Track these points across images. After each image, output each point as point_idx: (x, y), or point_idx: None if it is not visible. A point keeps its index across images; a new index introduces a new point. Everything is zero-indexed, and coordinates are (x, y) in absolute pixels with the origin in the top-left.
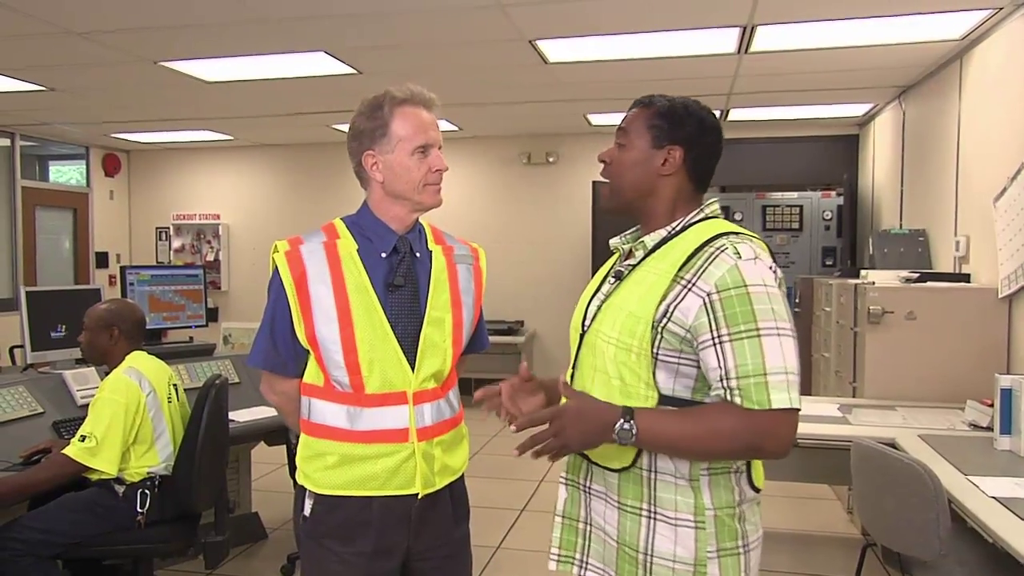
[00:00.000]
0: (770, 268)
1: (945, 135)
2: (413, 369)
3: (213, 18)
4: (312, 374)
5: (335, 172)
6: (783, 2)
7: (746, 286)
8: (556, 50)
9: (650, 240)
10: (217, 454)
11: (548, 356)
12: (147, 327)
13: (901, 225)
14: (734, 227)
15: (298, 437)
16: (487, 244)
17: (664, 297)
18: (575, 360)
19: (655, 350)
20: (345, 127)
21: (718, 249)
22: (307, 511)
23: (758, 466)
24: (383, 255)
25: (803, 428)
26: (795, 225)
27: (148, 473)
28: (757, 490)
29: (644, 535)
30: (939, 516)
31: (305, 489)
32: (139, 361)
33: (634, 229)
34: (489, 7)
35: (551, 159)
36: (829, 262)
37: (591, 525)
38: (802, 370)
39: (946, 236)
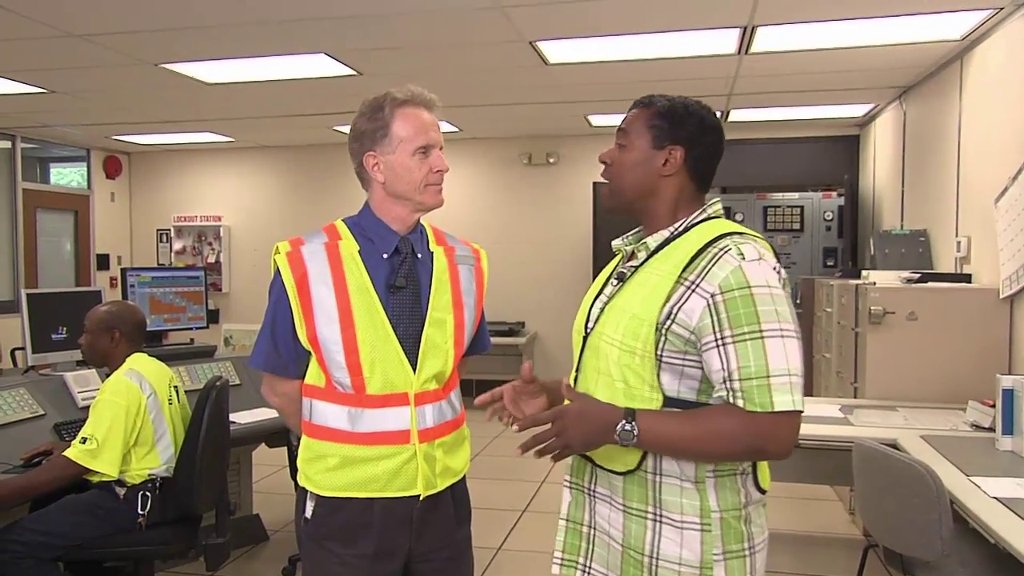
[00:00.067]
0: (774, 269)
1: (946, 135)
2: (415, 370)
3: (213, 20)
4: (313, 375)
5: (336, 173)
6: (783, 3)
7: (750, 287)
8: (556, 51)
9: (653, 241)
10: (218, 456)
11: (549, 357)
12: (148, 329)
13: (902, 225)
14: (737, 227)
15: (299, 439)
16: (488, 245)
17: (668, 299)
18: (578, 363)
19: (659, 352)
20: (346, 129)
21: (722, 250)
22: (308, 513)
23: (764, 467)
24: (384, 256)
25: (804, 429)
26: (796, 226)
27: (149, 475)
28: (763, 492)
29: (650, 538)
30: (941, 517)
31: (306, 491)
32: (140, 363)
33: (636, 230)
34: (489, 8)
35: (552, 160)
36: (830, 263)
37: (595, 529)
38: (804, 371)
39: (947, 236)
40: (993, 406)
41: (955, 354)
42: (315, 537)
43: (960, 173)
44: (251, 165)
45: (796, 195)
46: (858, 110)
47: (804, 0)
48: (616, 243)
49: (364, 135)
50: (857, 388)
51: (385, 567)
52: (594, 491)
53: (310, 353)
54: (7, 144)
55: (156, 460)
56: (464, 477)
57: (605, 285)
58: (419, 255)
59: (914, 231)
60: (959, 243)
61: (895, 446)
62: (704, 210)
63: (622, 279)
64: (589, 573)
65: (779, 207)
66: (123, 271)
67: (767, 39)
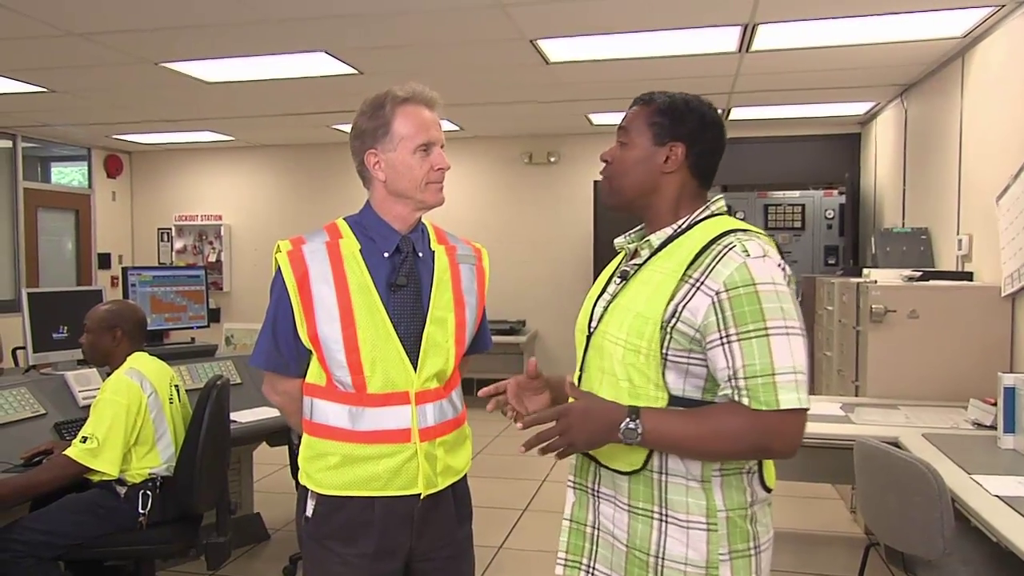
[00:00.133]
0: (779, 266)
1: (947, 133)
2: (415, 369)
3: (214, 19)
4: (314, 374)
5: (337, 172)
6: (784, 0)
7: (755, 284)
8: (557, 50)
9: (656, 239)
10: (219, 455)
11: (550, 356)
12: (149, 328)
13: (903, 223)
14: (741, 224)
15: (300, 438)
16: (488, 244)
17: (672, 297)
18: (582, 362)
19: (664, 351)
20: (346, 127)
21: (726, 247)
22: (309, 512)
23: (770, 466)
24: (385, 255)
25: (806, 427)
26: (797, 224)
27: (150, 474)
28: (768, 490)
29: (655, 538)
30: (943, 515)
31: (307, 490)
32: (140, 362)
33: (638, 228)
34: (490, 7)
35: (552, 159)
36: (831, 261)
37: (599, 529)
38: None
39: (948, 234)
40: (995, 404)
41: (956, 352)
42: (316, 536)
43: (961, 171)
44: (252, 164)
45: (797, 193)
46: (859, 108)
47: None
48: (619, 241)
49: (365, 133)
50: (858, 386)
51: (386, 566)
52: (598, 491)
53: (311, 352)
54: (8, 143)
55: (157, 459)
56: (465, 476)
57: (608, 284)
58: (420, 254)
59: (915, 229)
60: (960, 241)
61: (896, 444)
62: (707, 207)
63: (625, 277)
64: (592, 574)
65: (780, 205)
66: (124, 270)
67: (768, 37)
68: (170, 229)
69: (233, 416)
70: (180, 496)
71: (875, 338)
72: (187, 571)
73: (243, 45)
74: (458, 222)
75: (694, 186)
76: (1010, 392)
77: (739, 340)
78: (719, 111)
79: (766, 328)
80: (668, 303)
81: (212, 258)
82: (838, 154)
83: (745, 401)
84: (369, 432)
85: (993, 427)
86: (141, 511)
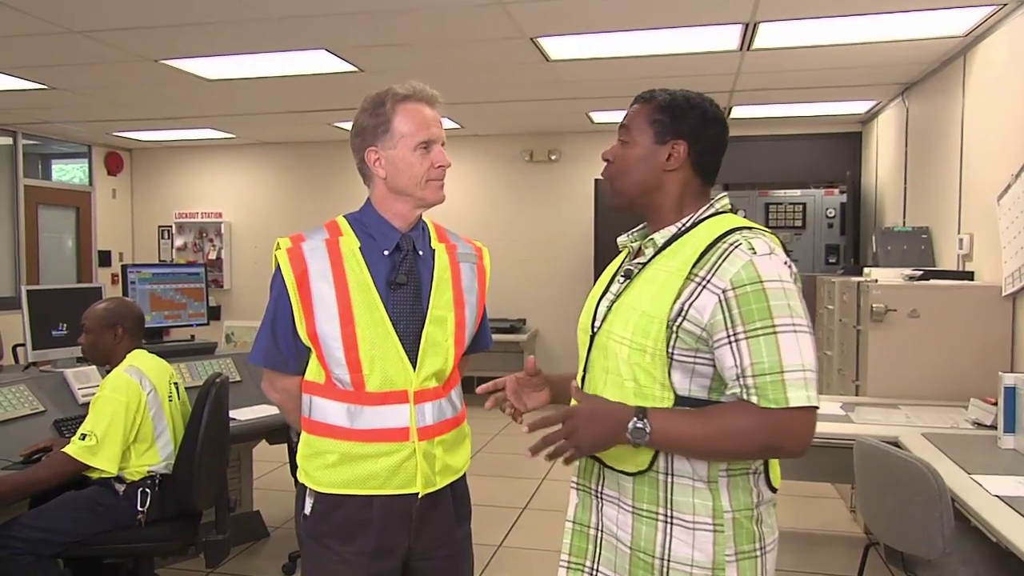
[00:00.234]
0: (785, 263)
1: (949, 132)
2: (414, 368)
3: (214, 16)
4: (313, 371)
5: (337, 170)
6: None
7: (762, 282)
8: (558, 48)
9: (660, 237)
10: (218, 452)
11: (551, 354)
12: (149, 326)
13: (904, 223)
14: (746, 222)
15: (299, 435)
16: (489, 242)
17: (678, 295)
18: (586, 363)
19: (670, 350)
20: (347, 125)
21: (732, 245)
22: (307, 510)
23: (775, 466)
24: (385, 253)
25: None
26: (798, 223)
27: (148, 472)
28: (774, 490)
29: (660, 540)
30: (942, 515)
31: (306, 488)
32: (140, 359)
33: (641, 226)
34: (490, 5)
35: (553, 157)
36: (832, 260)
37: (602, 531)
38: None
39: (949, 234)
40: (995, 404)
41: (957, 352)
42: (314, 534)
43: (963, 170)
44: (252, 161)
45: (798, 192)
46: (861, 107)
47: None
48: (621, 240)
49: (366, 130)
50: (859, 386)
51: (384, 564)
52: (601, 493)
53: (310, 349)
54: (8, 140)
55: (156, 457)
56: (464, 475)
57: (611, 282)
58: (420, 252)
59: (916, 228)
60: (961, 240)
61: (897, 444)
62: (711, 205)
63: (629, 276)
64: None
65: (781, 204)
66: (123, 267)
67: (770, 35)
68: (171, 226)
69: (233, 414)
70: (179, 494)
71: (875, 337)
72: (186, 569)
73: (244, 42)
74: (459, 220)
75: (697, 184)
76: (1010, 392)
77: (747, 338)
78: (721, 108)
79: (774, 326)
80: (674, 302)
81: (212, 255)
82: (839, 153)
83: (754, 399)
84: (367, 431)
85: (993, 427)
86: (140, 508)
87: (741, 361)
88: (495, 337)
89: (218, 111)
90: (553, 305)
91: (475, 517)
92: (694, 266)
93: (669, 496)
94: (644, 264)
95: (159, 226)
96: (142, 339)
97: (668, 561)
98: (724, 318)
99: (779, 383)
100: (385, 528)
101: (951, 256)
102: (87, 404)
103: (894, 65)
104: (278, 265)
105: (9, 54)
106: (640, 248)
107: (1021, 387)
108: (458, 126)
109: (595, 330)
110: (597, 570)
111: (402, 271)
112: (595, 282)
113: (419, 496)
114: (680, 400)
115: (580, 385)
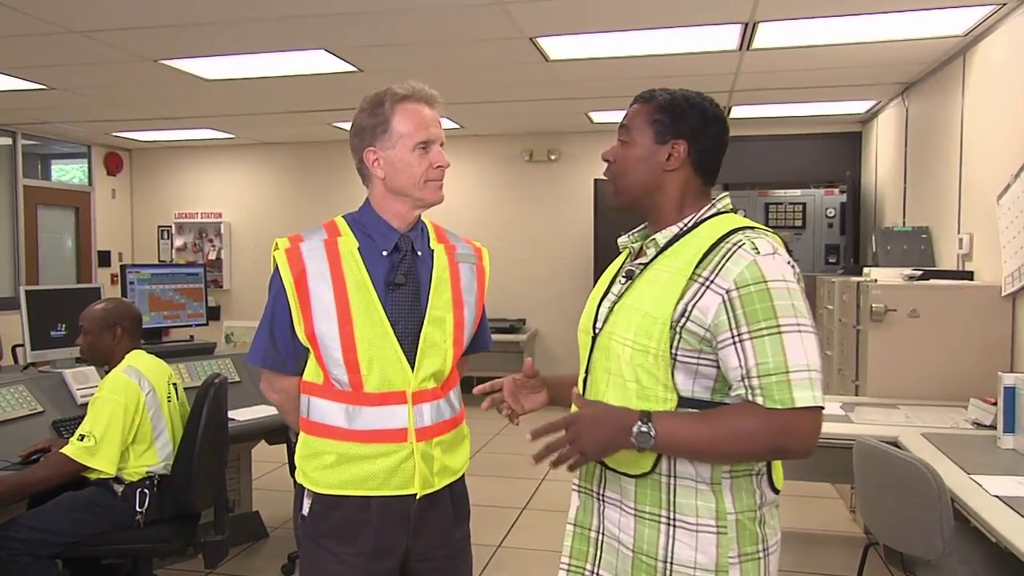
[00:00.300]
0: (788, 263)
1: (948, 132)
2: (413, 369)
3: (213, 16)
4: (312, 372)
5: (336, 170)
6: None
7: (766, 282)
8: (557, 47)
9: (662, 237)
10: (216, 453)
11: (550, 354)
12: (148, 326)
13: (904, 222)
14: (749, 222)
15: (298, 435)
16: (489, 242)
17: (682, 296)
18: (588, 364)
19: (673, 351)
20: (346, 125)
21: (735, 245)
22: (306, 510)
23: (778, 467)
24: (384, 253)
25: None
26: (798, 223)
27: (147, 472)
28: (776, 491)
29: (663, 543)
30: (942, 515)
31: (304, 488)
32: (138, 360)
33: (642, 227)
34: (489, 5)
35: (553, 157)
36: (832, 260)
37: (603, 534)
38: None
39: (949, 234)
40: (995, 404)
41: (957, 352)
42: (312, 535)
43: (963, 170)
44: (251, 162)
45: (798, 192)
46: (860, 106)
47: None
48: (622, 240)
49: (364, 130)
50: (858, 386)
51: (382, 565)
52: (603, 495)
53: (308, 350)
54: (8, 141)
55: (154, 457)
56: (463, 476)
57: (612, 283)
58: (419, 252)
59: (916, 228)
60: (961, 240)
61: (896, 444)
62: (713, 204)
63: (631, 277)
64: None
65: (781, 204)
66: (122, 268)
67: (769, 35)
68: (170, 227)
69: (232, 414)
70: (178, 494)
71: (875, 337)
72: (185, 569)
73: (243, 43)
74: (458, 220)
75: (698, 183)
76: (1010, 392)
77: (751, 338)
78: (721, 107)
79: (779, 326)
80: (677, 302)
81: (212, 256)
82: (839, 153)
83: (759, 400)
84: (365, 431)
85: (993, 427)
86: (138, 509)
87: (746, 362)
88: (495, 337)
89: (217, 111)
90: (553, 305)
91: (474, 517)
92: (697, 266)
93: (672, 498)
94: (646, 264)
95: (159, 226)
96: (141, 339)
97: (671, 564)
98: (728, 318)
99: (784, 383)
100: (383, 529)
101: (951, 256)
102: (86, 405)
103: (894, 65)
104: (276, 266)
105: (9, 54)
106: (641, 248)
107: (1021, 387)
108: (458, 126)
109: (597, 331)
110: (597, 573)
111: (400, 271)
112: (595, 282)
113: (417, 497)
114: (683, 401)
115: (582, 386)
